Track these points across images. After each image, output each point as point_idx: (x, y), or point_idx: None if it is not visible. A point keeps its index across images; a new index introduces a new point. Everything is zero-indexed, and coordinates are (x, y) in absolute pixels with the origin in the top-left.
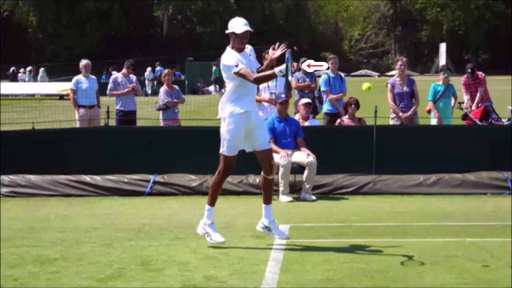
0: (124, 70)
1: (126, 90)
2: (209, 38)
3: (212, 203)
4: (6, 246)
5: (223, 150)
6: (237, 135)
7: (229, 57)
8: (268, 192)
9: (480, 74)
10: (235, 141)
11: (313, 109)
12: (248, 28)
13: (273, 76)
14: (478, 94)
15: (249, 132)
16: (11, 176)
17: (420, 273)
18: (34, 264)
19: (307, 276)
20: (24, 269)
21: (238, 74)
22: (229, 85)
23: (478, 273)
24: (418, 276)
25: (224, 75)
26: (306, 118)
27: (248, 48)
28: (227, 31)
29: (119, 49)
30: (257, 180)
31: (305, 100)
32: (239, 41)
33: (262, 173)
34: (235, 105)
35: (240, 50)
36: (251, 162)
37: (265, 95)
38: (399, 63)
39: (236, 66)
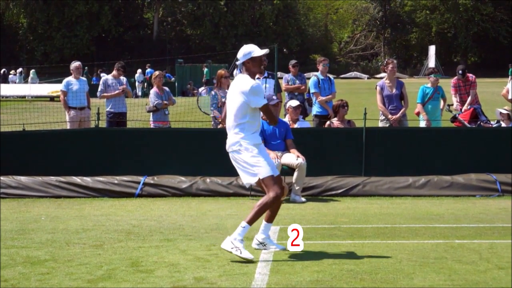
0: (114, 72)
1: (117, 92)
2: (199, 40)
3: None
4: None
5: (263, 173)
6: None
7: (259, 87)
8: (275, 212)
9: (471, 76)
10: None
11: (302, 111)
12: (267, 49)
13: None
14: (470, 96)
15: None
16: (1, 177)
17: (409, 274)
18: (24, 265)
19: (296, 278)
20: (14, 270)
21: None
22: (243, 117)
23: (467, 274)
24: (407, 278)
25: (250, 104)
26: (295, 121)
27: None
28: (242, 60)
29: (109, 51)
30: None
31: (295, 102)
32: (259, 64)
33: None
34: (249, 139)
35: (258, 74)
36: None
37: None
38: (390, 65)
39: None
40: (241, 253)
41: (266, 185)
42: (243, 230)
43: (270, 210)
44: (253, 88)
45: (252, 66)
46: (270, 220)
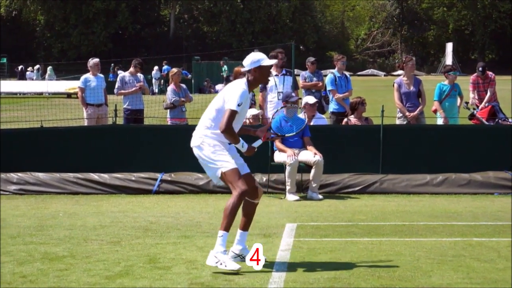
0: (131, 69)
1: (134, 89)
2: (215, 37)
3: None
4: (15, 243)
5: (222, 168)
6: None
7: (240, 93)
8: (250, 218)
9: (490, 74)
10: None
11: (319, 108)
12: (276, 60)
13: (236, 141)
14: (488, 94)
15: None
16: (19, 174)
17: (427, 272)
18: (42, 261)
19: (313, 275)
20: (32, 266)
21: (229, 112)
22: (217, 118)
23: (485, 272)
24: (425, 275)
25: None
26: (312, 117)
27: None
28: (249, 68)
29: (126, 48)
30: (264, 179)
31: (312, 99)
32: (267, 74)
33: (246, 198)
34: (215, 136)
35: (266, 82)
36: (258, 161)
37: (272, 94)
38: (409, 62)
39: (238, 105)
40: (226, 266)
41: (229, 181)
42: (222, 239)
43: (244, 216)
44: (236, 90)
45: (259, 75)
46: (245, 228)
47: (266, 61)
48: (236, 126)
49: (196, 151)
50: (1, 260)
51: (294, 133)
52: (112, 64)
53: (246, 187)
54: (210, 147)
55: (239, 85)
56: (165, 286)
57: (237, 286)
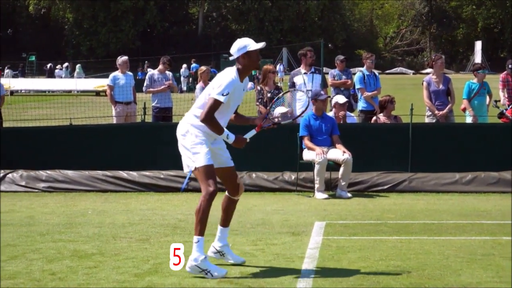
0: (160, 67)
1: (162, 87)
2: (243, 35)
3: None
4: (44, 241)
5: (195, 163)
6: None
7: (227, 81)
8: (230, 214)
9: None
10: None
11: (348, 106)
12: (264, 42)
13: (219, 132)
14: None
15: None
16: (48, 172)
17: (457, 271)
18: (72, 259)
19: (342, 273)
20: (62, 263)
21: (212, 100)
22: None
23: None
24: (454, 274)
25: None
26: (341, 117)
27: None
28: (237, 55)
29: (154, 46)
30: (293, 177)
31: (342, 99)
32: (256, 59)
33: (226, 193)
34: (202, 128)
35: (256, 68)
36: (287, 159)
37: (301, 92)
38: (439, 61)
39: (224, 95)
40: (212, 275)
41: (199, 178)
42: (198, 245)
43: (223, 212)
44: (224, 79)
45: (248, 61)
46: (224, 224)
47: (253, 46)
48: (225, 116)
49: (179, 139)
50: (29, 258)
51: (291, 120)
52: (147, 62)
53: (213, 188)
54: (192, 137)
55: (227, 74)
56: (194, 284)
57: (266, 284)
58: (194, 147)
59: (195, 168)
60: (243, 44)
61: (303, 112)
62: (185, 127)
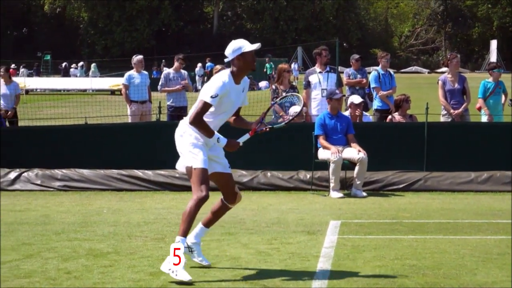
0: (175, 64)
1: (177, 87)
2: (258, 35)
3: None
4: (59, 240)
5: (192, 164)
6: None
7: (217, 84)
8: (216, 218)
9: None
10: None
11: (363, 106)
12: (259, 43)
13: (209, 135)
14: None
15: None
16: (64, 170)
17: (472, 270)
18: (87, 258)
19: (358, 272)
20: (77, 262)
21: (202, 103)
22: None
23: None
24: (470, 273)
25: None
26: (356, 117)
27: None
28: (231, 57)
29: (169, 45)
30: (308, 176)
31: (358, 99)
32: (251, 60)
33: (221, 198)
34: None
35: (252, 69)
36: (302, 158)
37: (316, 91)
38: (454, 60)
39: (212, 97)
40: (176, 275)
41: (192, 180)
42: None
43: (212, 214)
44: (215, 81)
45: (243, 63)
46: (207, 224)
47: (248, 47)
48: (219, 119)
49: (177, 139)
50: (45, 256)
51: (284, 124)
52: (164, 61)
53: (205, 194)
54: (190, 138)
55: (219, 77)
56: (209, 284)
57: (281, 283)
58: (190, 148)
59: (190, 168)
60: (238, 46)
61: (293, 118)
62: (182, 129)
